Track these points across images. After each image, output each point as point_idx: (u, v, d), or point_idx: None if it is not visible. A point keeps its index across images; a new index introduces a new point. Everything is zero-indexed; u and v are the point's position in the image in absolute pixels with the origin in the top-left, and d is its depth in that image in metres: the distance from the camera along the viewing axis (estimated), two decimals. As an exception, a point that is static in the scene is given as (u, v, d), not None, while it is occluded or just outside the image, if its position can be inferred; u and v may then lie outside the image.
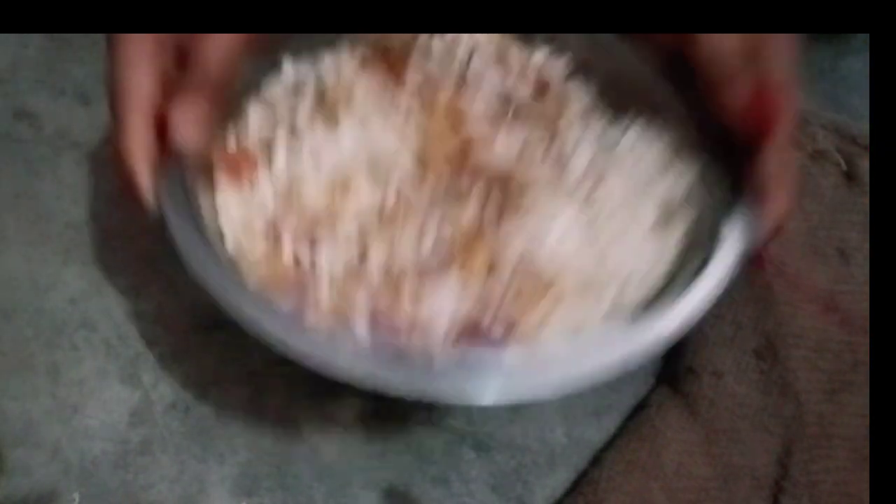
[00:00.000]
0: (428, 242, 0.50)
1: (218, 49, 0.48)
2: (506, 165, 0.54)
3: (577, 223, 0.53)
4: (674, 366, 0.61)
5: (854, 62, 0.76)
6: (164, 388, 0.56)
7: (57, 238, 0.60)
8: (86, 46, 0.66)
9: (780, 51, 0.50)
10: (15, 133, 0.63)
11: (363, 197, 0.52)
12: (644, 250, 0.52)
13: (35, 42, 0.66)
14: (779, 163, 0.48)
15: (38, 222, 0.60)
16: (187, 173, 0.48)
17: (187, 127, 0.47)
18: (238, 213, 0.51)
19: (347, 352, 0.44)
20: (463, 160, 0.54)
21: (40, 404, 0.55)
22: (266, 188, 0.51)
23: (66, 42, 0.66)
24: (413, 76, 0.56)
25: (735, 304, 0.61)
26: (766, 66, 0.50)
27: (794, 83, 0.50)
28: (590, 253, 0.52)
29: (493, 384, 0.44)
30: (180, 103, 0.47)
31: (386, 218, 0.51)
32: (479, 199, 0.52)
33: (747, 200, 0.49)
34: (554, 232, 0.52)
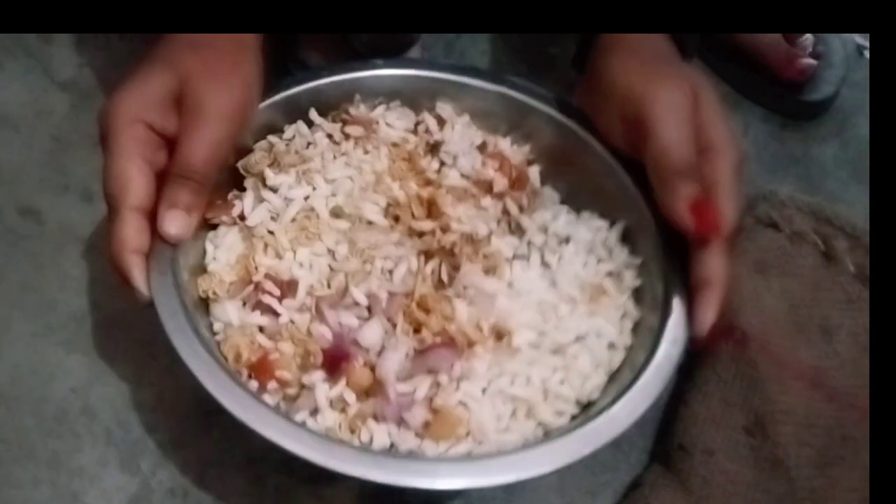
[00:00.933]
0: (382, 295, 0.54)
1: (204, 146, 0.50)
2: (468, 230, 0.57)
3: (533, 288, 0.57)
4: (665, 443, 0.62)
5: (825, 148, 0.79)
6: (162, 475, 0.57)
7: (60, 329, 0.61)
8: (88, 147, 0.68)
9: (726, 159, 0.53)
10: (20, 229, 0.64)
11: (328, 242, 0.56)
12: (593, 322, 0.56)
13: (40, 144, 0.68)
14: (715, 266, 0.52)
15: (42, 314, 0.61)
16: (177, 256, 0.51)
17: (173, 221, 0.50)
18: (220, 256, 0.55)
19: (336, 453, 0.47)
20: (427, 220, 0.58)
21: (41, 493, 0.55)
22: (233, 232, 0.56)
23: (70, 143, 0.68)
24: (385, 140, 0.61)
25: (722, 381, 0.62)
26: (712, 175, 0.53)
27: (736, 192, 0.53)
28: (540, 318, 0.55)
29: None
30: (166, 199, 0.50)
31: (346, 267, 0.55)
32: (436, 262, 0.56)
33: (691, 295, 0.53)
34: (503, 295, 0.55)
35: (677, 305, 0.54)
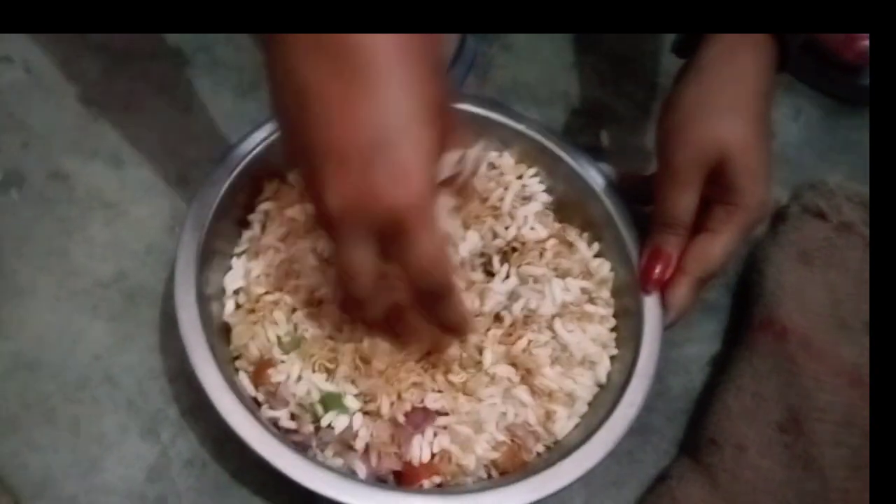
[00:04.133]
0: None
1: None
2: None
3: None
4: (695, 437, 0.60)
5: (882, 136, 0.76)
6: (182, 445, 0.56)
7: (85, 295, 0.61)
8: (119, 111, 0.68)
9: (741, 216, 0.56)
10: (48, 193, 0.64)
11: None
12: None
13: (71, 106, 0.68)
14: (676, 295, 0.57)
15: (67, 279, 0.61)
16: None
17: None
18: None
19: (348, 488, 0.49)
20: None
21: (60, 458, 0.55)
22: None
23: (101, 107, 0.68)
24: None
25: (757, 375, 0.60)
26: (718, 225, 0.56)
27: (735, 245, 0.57)
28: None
29: None
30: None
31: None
32: None
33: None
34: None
35: (643, 369, 0.56)
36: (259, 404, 0.54)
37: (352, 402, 0.52)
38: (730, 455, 0.58)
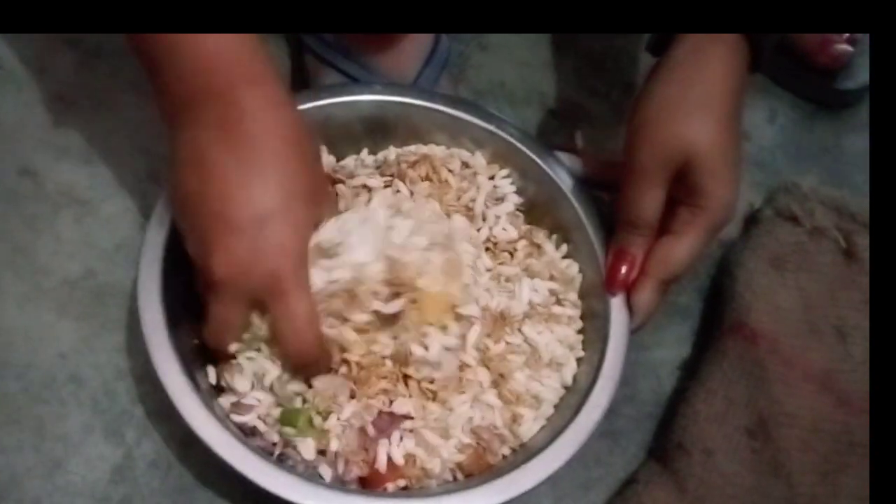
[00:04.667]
0: None
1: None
2: None
3: None
4: (664, 441, 0.60)
5: (856, 140, 0.76)
6: (147, 446, 0.56)
7: (52, 293, 0.60)
8: (91, 108, 0.67)
9: (705, 218, 0.55)
10: (17, 189, 0.63)
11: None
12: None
13: (42, 101, 0.67)
14: (640, 298, 0.57)
15: (34, 277, 0.61)
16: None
17: None
18: None
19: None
20: None
21: (24, 459, 0.55)
22: None
23: (73, 104, 0.67)
24: None
25: (727, 379, 0.60)
26: (682, 227, 0.56)
27: (699, 249, 0.56)
28: None
29: None
30: None
31: None
32: None
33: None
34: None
35: (609, 371, 0.55)
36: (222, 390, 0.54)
37: (317, 421, 0.52)
38: (697, 460, 0.58)
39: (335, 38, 0.66)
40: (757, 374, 0.60)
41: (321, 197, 0.53)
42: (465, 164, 0.63)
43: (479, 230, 0.60)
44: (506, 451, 0.55)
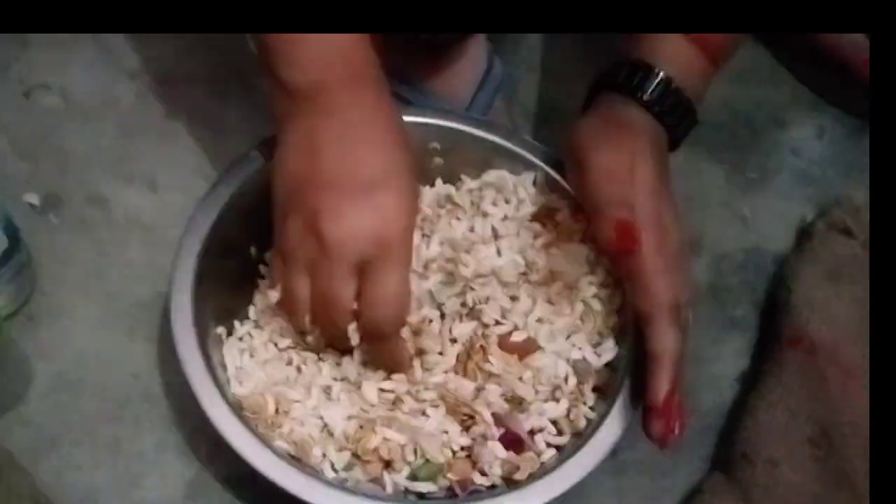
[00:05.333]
0: None
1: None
2: None
3: None
4: (727, 452, 0.61)
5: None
6: (219, 463, 0.57)
7: (124, 316, 0.62)
8: (153, 136, 0.69)
9: (650, 198, 0.53)
10: (87, 217, 0.65)
11: None
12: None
13: (107, 131, 0.69)
14: (662, 339, 0.51)
15: (106, 301, 0.62)
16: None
17: None
18: None
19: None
20: None
21: (102, 476, 0.56)
22: None
23: (135, 132, 0.69)
24: None
25: (787, 390, 0.60)
26: (636, 207, 0.52)
27: (673, 271, 0.52)
28: None
29: None
30: None
31: None
32: None
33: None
34: None
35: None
36: None
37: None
38: (762, 470, 0.58)
39: (388, 61, 0.67)
40: (817, 385, 0.60)
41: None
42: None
43: None
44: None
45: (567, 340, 0.56)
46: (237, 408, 0.52)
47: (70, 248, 0.64)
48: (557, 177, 0.59)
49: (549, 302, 0.56)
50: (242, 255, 0.58)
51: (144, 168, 0.68)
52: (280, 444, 0.52)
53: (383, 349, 0.53)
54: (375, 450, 0.52)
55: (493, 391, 0.53)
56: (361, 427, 0.53)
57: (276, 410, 0.53)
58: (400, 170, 0.51)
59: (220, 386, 0.52)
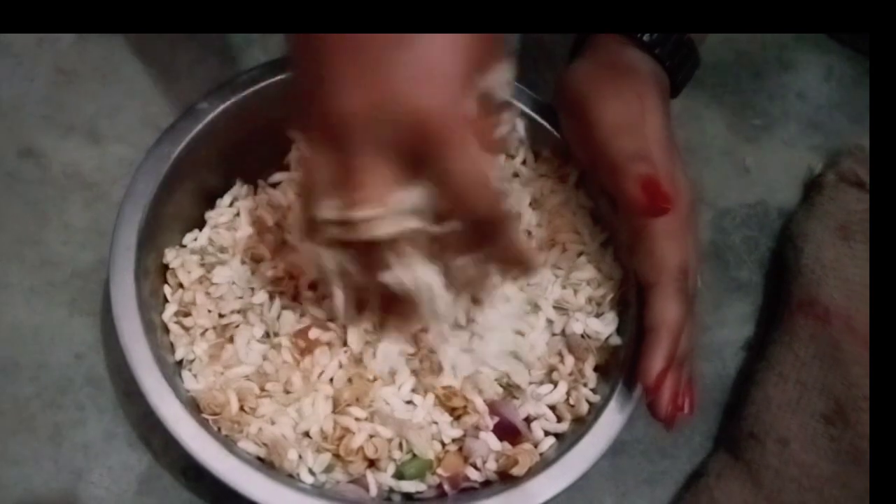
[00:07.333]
0: None
1: None
2: None
3: None
4: (733, 430, 0.57)
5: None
6: (174, 453, 0.52)
7: (63, 286, 0.57)
8: (97, 81, 0.63)
9: (663, 152, 0.48)
10: (19, 173, 0.60)
11: None
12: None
13: (42, 75, 0.63)
14: (661, 309, 0.47)
15: (43, 269, 0.57)
16: None
17: None
18: None
19: None
20: None
21: (42, 470, 0.52)
22: None
23: (74, 76, 0.63)
24: None
25: (799, 361, 0.56)
26: (655, 162, 0.48)
27: (682, 239, 0.48)
28: None
29: None
30: None
31: None
32: None
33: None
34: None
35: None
36: None
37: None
38: (772, 450, 0.54)
39: None
40: (831, 355, 0.56)
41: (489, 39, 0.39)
42: None
43: None
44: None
45: (563, 312, 0.52)
46: (192, 406, 0.47)
47: (0, 210, 0.58)
48: (550, 127, 0.54)
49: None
50: (193, 222, 0.53)
51: (85, 117, 0.62)
52: (246, 444, 0.47)
53: (495, 249, 0.42)
54: (360, 449, 0.46)
55: (487, 376, 0.49)
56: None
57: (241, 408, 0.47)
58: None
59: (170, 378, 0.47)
